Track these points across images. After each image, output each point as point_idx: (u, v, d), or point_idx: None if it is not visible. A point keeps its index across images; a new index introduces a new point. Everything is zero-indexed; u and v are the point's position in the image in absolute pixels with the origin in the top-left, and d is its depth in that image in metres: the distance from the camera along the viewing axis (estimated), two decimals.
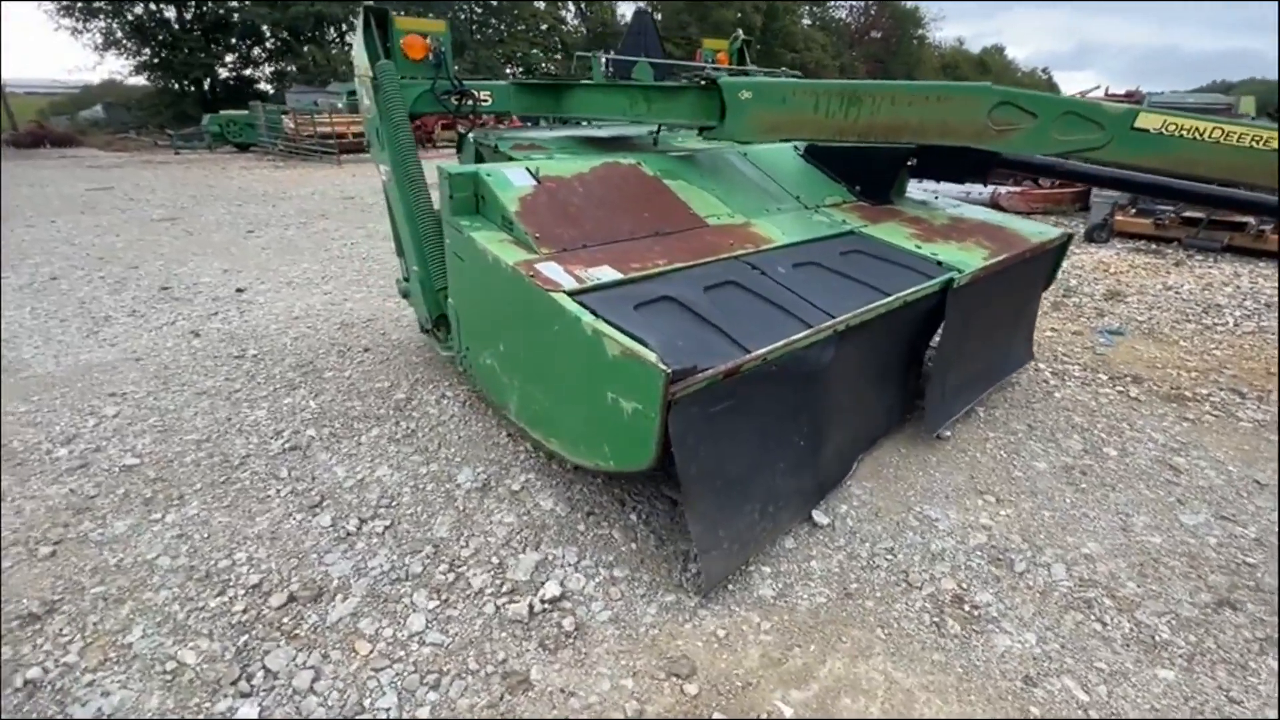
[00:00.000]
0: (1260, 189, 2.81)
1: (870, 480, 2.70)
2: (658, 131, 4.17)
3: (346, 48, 36.69)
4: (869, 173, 3.66)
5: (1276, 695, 1.78)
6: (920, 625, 1.98)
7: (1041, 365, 3.89)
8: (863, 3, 52.76)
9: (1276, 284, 4.97)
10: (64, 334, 4.33)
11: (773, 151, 3.81)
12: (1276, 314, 4.70)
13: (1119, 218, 6.92)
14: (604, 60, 4.68)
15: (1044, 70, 79.83)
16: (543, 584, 2.10)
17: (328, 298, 5.17)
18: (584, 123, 4.57)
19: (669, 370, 1.73)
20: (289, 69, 31.59)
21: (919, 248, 2.98)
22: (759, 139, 3.23)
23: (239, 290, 5.34)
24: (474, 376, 2.96)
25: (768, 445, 2.21)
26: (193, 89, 29.21)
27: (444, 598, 2.05)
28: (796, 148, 3.95)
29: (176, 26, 27.16)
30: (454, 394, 3.44)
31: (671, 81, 3.70)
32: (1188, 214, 6.50)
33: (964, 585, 2.14)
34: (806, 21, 49.90)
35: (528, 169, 2.82)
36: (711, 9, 43.73)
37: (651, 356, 1.78)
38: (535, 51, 36.81)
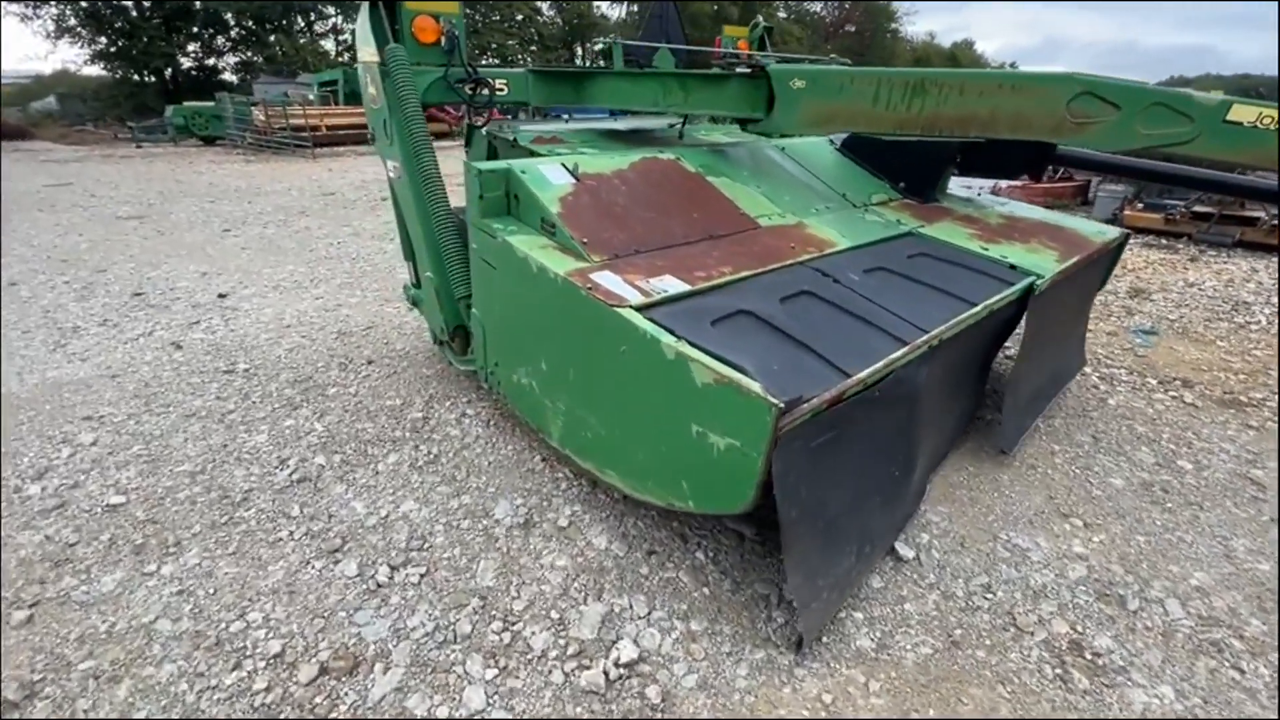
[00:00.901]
0: None
1: (945, 504, 2.49)
2: (683, 124, 3.91)
3: (316, 38, 35.56)
4: (914, 168, 3.44)
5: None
6: (1044, 679, 1.77)
7: (1087, 369, 3.72)
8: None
9: (1277, 282, 4.87)
10: (28, 348, 3.91)
11: (809, 145, 3.57)
12: (1277, 314, 4.59)
13: (1127, 212, 6.85)
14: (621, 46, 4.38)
15: (1012, 64, 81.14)
16: (614, 643, 1.84)
17: (320, 303, 4.79)
18: (567, 116, 4.28)
19: (781, 404, 1.48)
20: (255, 59, 30.45)
21: (986, 249, 2.77)
22: (811, 132, 2.99)
23: (221, 296, 4.94)
24: (504, 396, 2.67)
25: (865, 478, 1.97)
26: (153, 79, 27.94)
27: (502, 664, 1.77)
28: (832, 141, 3.71)
29: (135, 14, 25.88)
30: (475, 412, 3.14)
31: (714, 69, 3.44)
32: (1198, 209, 6.45)
33: (1078, 628, 1.94)
34: (782, 15, 49.87)
35: (564, 165, 2.54)
36: (688, 4, 43.39)
37: (756, 387, 1.53)
38: (511, 43, 36.08)
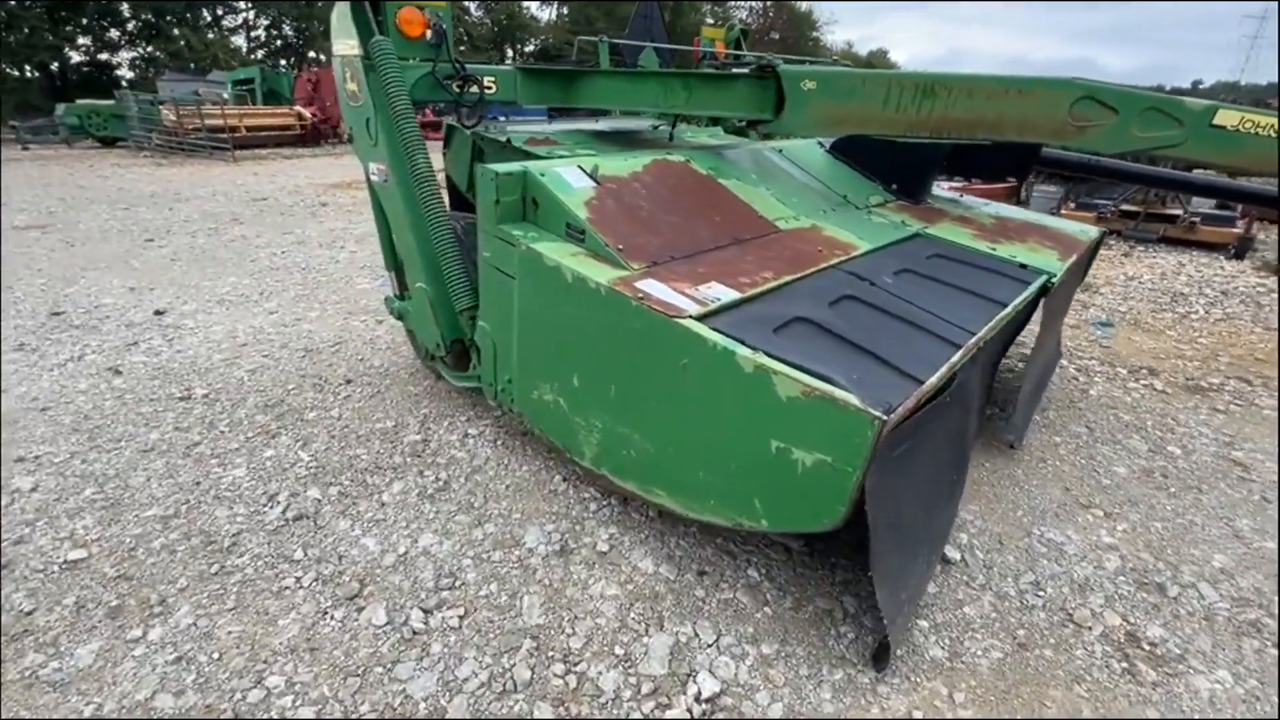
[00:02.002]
0: None
1: (974, 502, 2.51)
2: (673, 126, 3.83)
3: (225, 33, 33.29)
4: (905, 170, 3.49)
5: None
6: (1114, 675, 1.78)
7: (1064, 362, 3.90)
8: (761, 3, 54.33)
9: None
10: None
11: (802, 148, 3.56)
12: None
13: (1062, 211, 7.32)
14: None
15: None
16: (689, 677, 1.72)
17: (275, 318, 4.40)
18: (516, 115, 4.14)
19: (884, 416, 1.41)
20: (157, 55, 28.18)
21: (994, 249, 2.83)
22: (821, 134, 2.97)
23: (158, 313, 4.45)
24: (519, 414, 2.50)
25: (931, 484, 1.95)
26: (37, 75, 25.36)
27: (574, 711, 1.62)
28: (822, 143, 3.73)
29: (13, 1, 23.41)
30: (478, 431, 2.93)
31: (706, 69, 3.36)
32: (1125, 208, 6.97)
33: (1129, 619, 1.98)
34: (710, 21, 50.85)
35: (581, 168, 2.40)
36: (617, 6, 43.54)
37: (854, 399, 1.45)
38: None
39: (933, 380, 1.72)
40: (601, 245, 2.08)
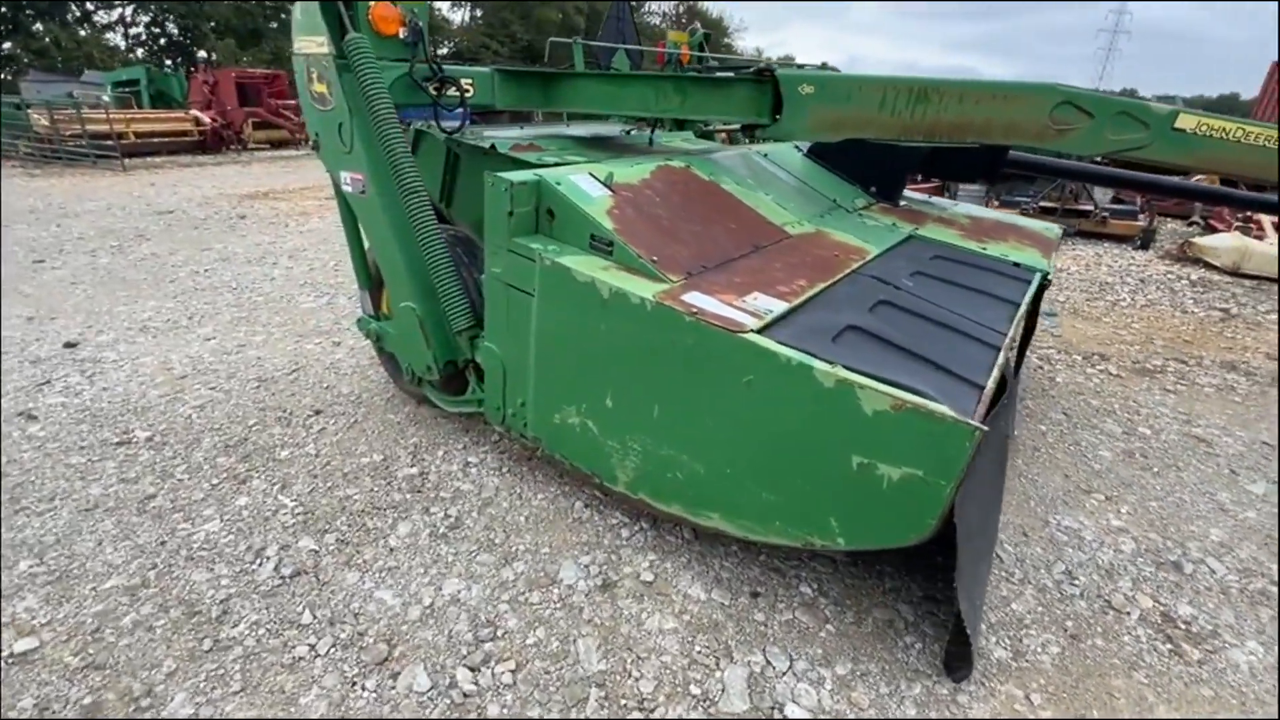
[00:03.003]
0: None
1: None
2: (652, 130, 3.75)
3: (99, 29, 30.18)
4: (883, 173, 3.57)
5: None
6: (1164, 658, 1.85)
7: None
8: (673, 5, 55.24)
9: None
10: None
11: (782, 151, 3.57)
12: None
13: (987, 208, 7.80)
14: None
15: None
16: (773, 709, 1.63)
17: (214, 345, 3.95)
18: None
19: (983, 427, 1.38)
20: (17, 52, 25.19)
21: (985, 249, 2.92)
22: (818, 138, 2.96)
23: (69, 345, 3.89)
24: (535, 439, 2.33)
25: (988, 487, 1.95)
26: None
27: None
28: (798, 147, 3.75)
29: None
30: (478, 459, 2.73)
31: (689, 71, 3.30)
32: (1044, 204, 7.53)
33: (1159, 599, 2.07)
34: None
35: (594, 176, 2.27)
36: (534, 8, 43.04)
37: (948, 410, 1.42)
38: None
39: (990, 385, 1.73)
40: (634, 257, 1.97)
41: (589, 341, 2.01)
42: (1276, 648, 1.91)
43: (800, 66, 3.25)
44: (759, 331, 1.68)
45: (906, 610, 1.98)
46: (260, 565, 2.10)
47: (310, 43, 2.50)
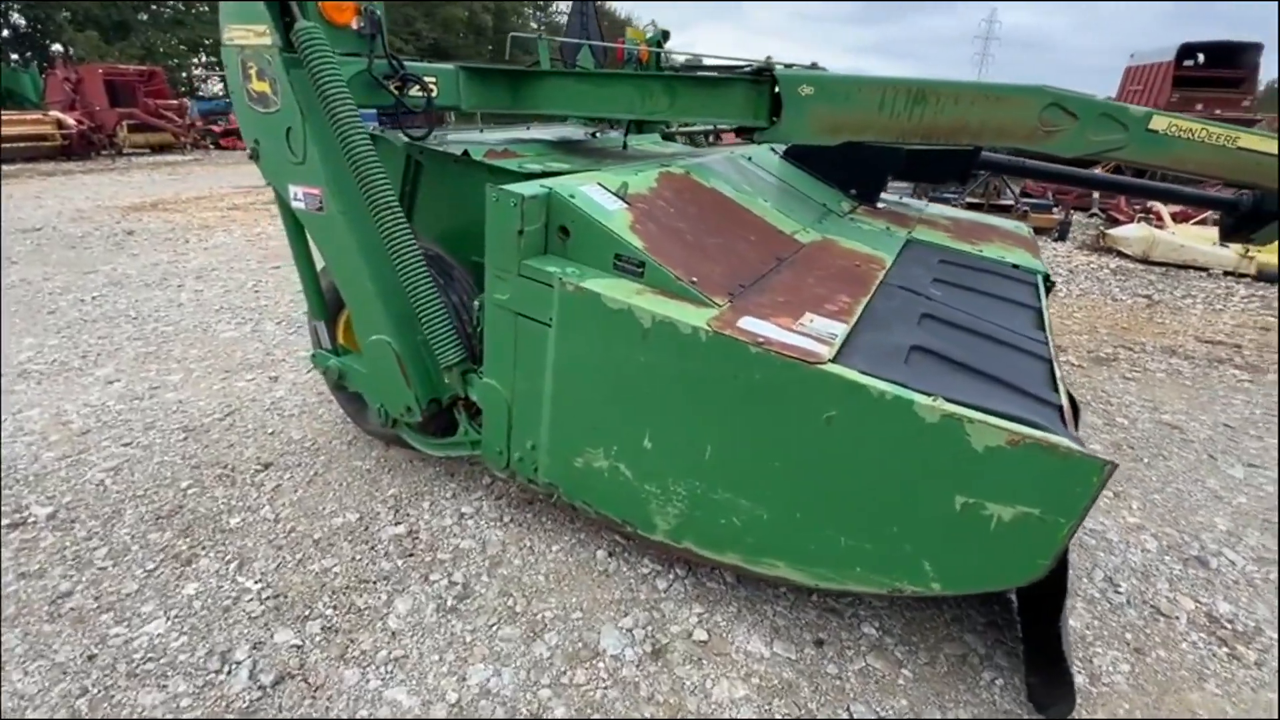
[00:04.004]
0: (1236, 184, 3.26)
1: None
2: (626, 133, 3.52)
3: None
4: (864, 175, 3.52)
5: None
6: (1224, 664, 1.84)
7: None
8: (581, 4, 54.88)
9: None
10: None
11: (762, 155, 3.44)
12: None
13: None
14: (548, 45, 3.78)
15: None
16: None
17: (120, 389, 3.35)
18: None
19: (1113, 461, 1.27)
20: None
21: (982, 252, 2.90)
22: (818, 141, 2.82)
23: None
24: (551, 486, 2.06)
25: None
26: None
27: None
28: (775, 150, 3.64)
29: None
30: (473, 508, 2.40)
31: (662, 70, 3.09)
32: (970, 200, 7.90)
33: (1199, 599, 2.08)
34: (534, 25, 50.51)
35: (603, 186, 2.02)
36: (439, 7, 41.53)
37: (1073, 445, 1.30)
38: None
39: (1063, 402, 1.64)
40: (670, 279, 1.74)
41: (623, 376, 1.77)
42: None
43: (788, 66, 3.13)
44: (834, 360, 1.50)
45: (974, 641, 1.88)
46: (230, 674, 1.71)
47: (246, 32, 2.10)
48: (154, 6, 28.76)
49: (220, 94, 26.89)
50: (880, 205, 3.54)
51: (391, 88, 2.36)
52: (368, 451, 2.77)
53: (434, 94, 2.59)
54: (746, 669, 1.75)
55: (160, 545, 2.19)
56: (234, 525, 2.30)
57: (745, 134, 2.77)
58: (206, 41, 29.83)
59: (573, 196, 1.86)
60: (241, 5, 2.07)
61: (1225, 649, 1.89)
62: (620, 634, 1.85)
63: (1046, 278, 2.73)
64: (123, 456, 2.72)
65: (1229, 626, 1.97)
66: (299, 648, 1.79)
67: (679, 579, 2.06)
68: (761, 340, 1.53)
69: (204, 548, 2.18)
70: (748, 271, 1.98)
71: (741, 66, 2.86)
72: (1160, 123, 2.73)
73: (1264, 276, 5.85)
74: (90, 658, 1.75)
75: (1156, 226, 6.74)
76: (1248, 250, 5.94)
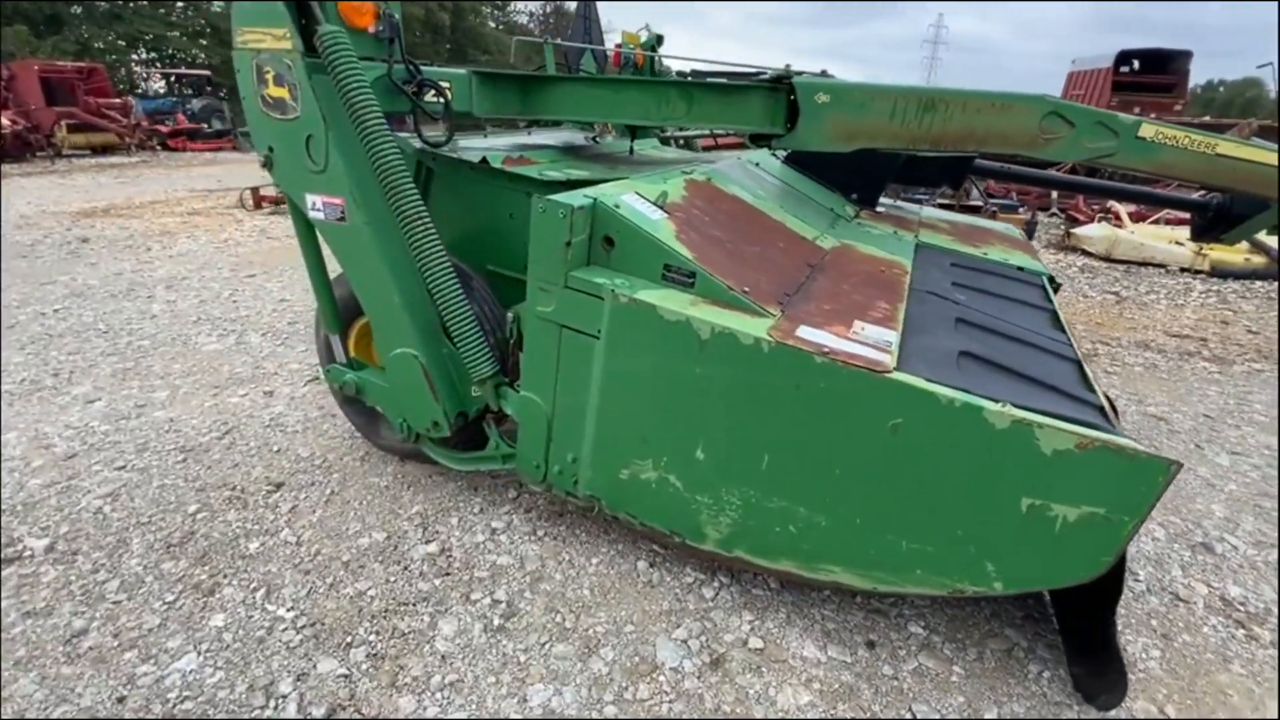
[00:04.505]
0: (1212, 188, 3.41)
1: None
2: (632, 139, 3.51)
3: None
4: (864, 180, 3.59)
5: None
6: (1244, 644, 1.95)
7: None
8: (540, 5, 54.49)
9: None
10: None
11: (766, 159, 3.48)
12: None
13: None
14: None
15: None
16: None
17: (102, 408, 3.16)
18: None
19: (1179, 462, 1.32)
20: None
21: (986, 255, 2.99)
22: (832, 148, 2.87)
23: None
24: (593, 499, 2.03)
25: None
26: None
27: None
28: (776, 154, 3.68)
29: None
30: (504, 523, 2.36)
31: (670, 75, 3.08)
32: (940, 202, 8.14)
33: (1210, 584, 2.19)
34: (492, 24, 49.86)
35: (641, 195, 2.01)
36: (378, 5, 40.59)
37: (1140, 446, 1.35)
38: (174, 35, 29.33)
39: (1104, 403, 1.71)
40: (722, 289, 1.74)
41: (676, 388, 1.76)
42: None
43: (799, 73, 3.17)
44: (898, 369, 1.53)
45: (1015, 635, 1.94)
46: (277, 709, 1.63)
47: (263, 36, 2.01)
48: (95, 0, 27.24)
49: (163, 92, 25.69)
50: (879, 209, 3.62)
51: (409, 93, 2.30)
52: (383, 467, 2.69)
53: (450, 99, 2.54)
54: (806, 674, 1.77)
55: (177, 575, 2.08)
56: (254, 550, 2.19)
57: (759, 141, 2.80)
58: (147, 36, 28.47)
59: (618, 206, 1.84)
60: (258, 6, 1.98)
61: (1243, 631, 2.00)
62: (675, 645, 1.84)
63: (1051, 279, 2.84)
64: (118, 481, 2.57)
65: (1242, 609, 2.08)
66: (346, 677, 1.73)
67: (724, 587, 2.07)
68: (827, 350, 1.55)
69: (225, 576, 2.08)
70: (788, 279, 2.00)
71: (758, 73, 2.87)
72: (1148, 130, 2.86)
73: (1217, 272, 6.23)
74: (120, 699, 1.65)
75: (1116, 226, 7.08)
76: (1201, 248, 6.31)
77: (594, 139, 3.68)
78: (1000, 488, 1.47)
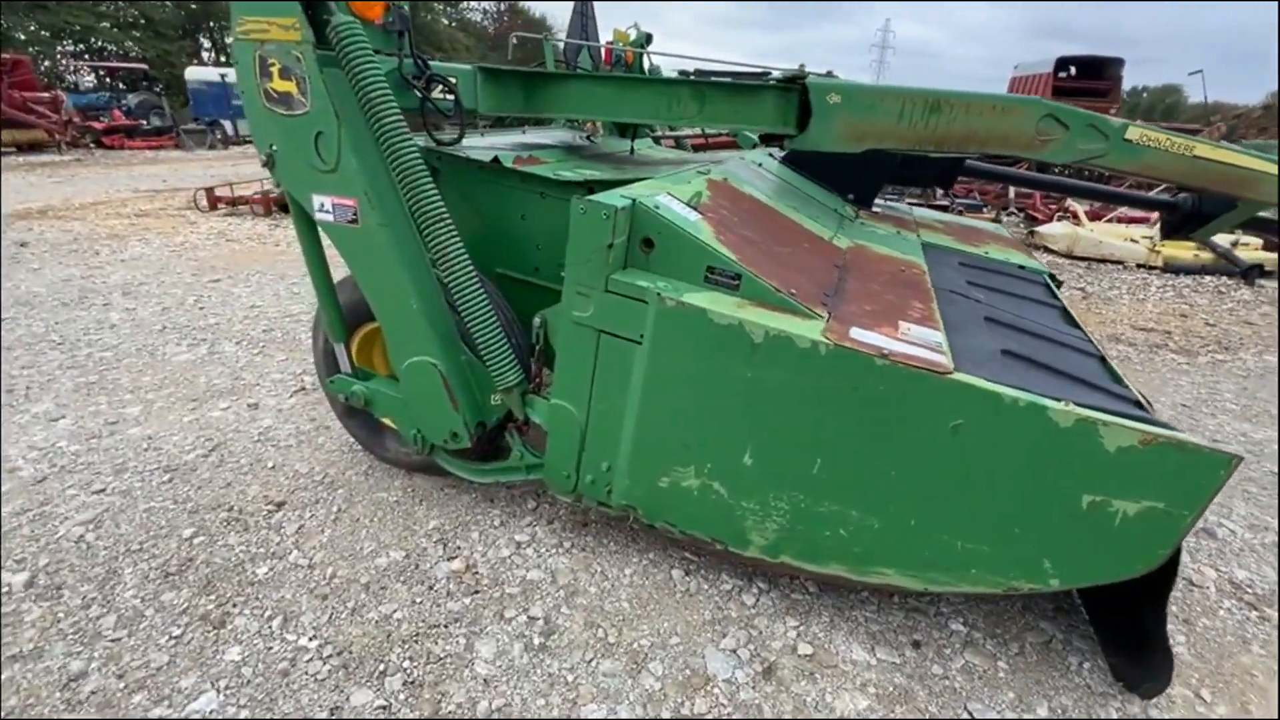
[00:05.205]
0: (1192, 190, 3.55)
1: None
2: (633, 138, 3.46)
3: None
4: (861, 180, 3.62)
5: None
6: (1259, 627, 2.03)
7: None
8: (494, 4, 53.66)
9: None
10: None
11: (766, 159, 3.47)
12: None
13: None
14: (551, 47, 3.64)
15: None
16: None
17: (69, 426, 2.92)
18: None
19: (1241, 455, 1.36)
20: None
21: (988, 254, 3.06)
22: (841, 149, 2.87)
23: None
24: (629, 508, 1.98)
25: None
26: None
27: None
28: (773, 153, 3.68)
29: None
30: (527, 536, 2.27)
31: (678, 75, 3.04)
32: (910, 201, 8.36)
33: (1218, 568, 2.28)
34: (445, 21, 48.89)
35: (673, 195, 1.96)
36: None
37: (1200, 441, 1.38)
38: (104, 26, 27.70)
39: (1140, 397, 1.75)
40: (770, 291, 1.71)
41: (724, 393, 1.72)
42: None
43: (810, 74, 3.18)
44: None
45: (1050, 627, 1.97)
46: None
47: (268, 26, 1.88)
48: None
49: (94, 87, 24.22)
50: (876, 210, 3.66)
51: (419, 89, 2.20)
52: (390, 482, 2.56)
53: (457, 96, 2.44)
54: (860, 678, 1.75)
55: (180, 607, 1.92)
56: (263, 576, 2.05)
57: (769, 141, 2.79)
58: (74, 27, 26.79)
59: (658, 207, 1.79)
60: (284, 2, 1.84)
61: (1255, 613, 2.08)
62: (725, 656, 1.80)
63: (1053, 276, 2.92)
64: (99, 506, 2.37)
65: (1250, 591, 2.18)
66: (385, 708, 1.62)
67: (764, 592, 2.04)
68: (887, 352, 1.53)
69: (235, 605, 1.93)
70: (823, 280, 1.98)
71: (763, 73, 2.86)
72: (1134, 133, 2.96)
73: (1170, 268, 6.57)
74: None
75: (1075, 224, 7.40)
76: (1154, 245, 6.65)
77: (588, 138, 3.61)
78: (1061, 485, 1.49)
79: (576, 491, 2.06)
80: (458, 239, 1.97)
